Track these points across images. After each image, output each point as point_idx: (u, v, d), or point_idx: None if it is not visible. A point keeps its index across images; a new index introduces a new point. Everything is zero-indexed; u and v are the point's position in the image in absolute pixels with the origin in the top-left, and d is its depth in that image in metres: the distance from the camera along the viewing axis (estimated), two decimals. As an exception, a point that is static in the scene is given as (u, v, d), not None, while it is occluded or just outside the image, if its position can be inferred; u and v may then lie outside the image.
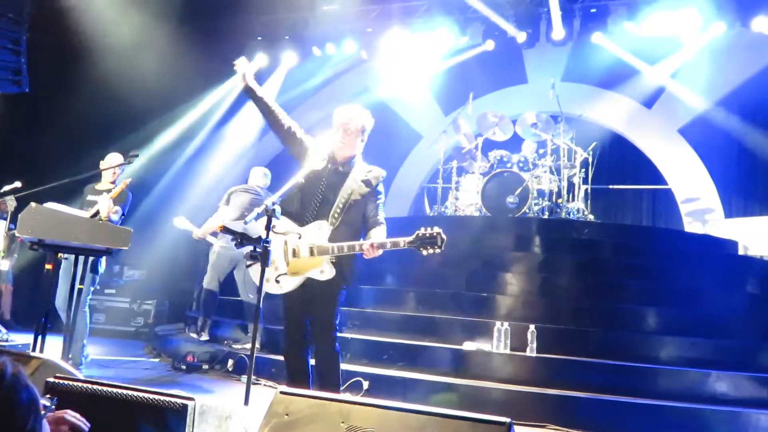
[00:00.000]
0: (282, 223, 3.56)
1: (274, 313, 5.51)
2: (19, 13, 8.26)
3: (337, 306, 3.58)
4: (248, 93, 3.68)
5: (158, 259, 9.19)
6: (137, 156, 4.91)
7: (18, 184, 5.47)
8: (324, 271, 3.45)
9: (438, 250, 3.32)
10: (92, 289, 5.65)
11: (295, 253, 3.49)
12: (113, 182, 5.75)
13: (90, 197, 5.79)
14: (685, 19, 8.90)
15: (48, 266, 4.25)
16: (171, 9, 9.03)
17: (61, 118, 8.91)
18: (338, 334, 3.62)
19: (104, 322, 8.36)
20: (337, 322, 3.60)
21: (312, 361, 3.62)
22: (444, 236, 3.32)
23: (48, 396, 1.86)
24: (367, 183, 3.62)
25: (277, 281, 3.52)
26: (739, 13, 8.72)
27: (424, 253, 3.31)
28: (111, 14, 8.81)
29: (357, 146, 3.66)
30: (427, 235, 3.31)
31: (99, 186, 5.87)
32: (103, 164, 5.77)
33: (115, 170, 5.76)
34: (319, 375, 3.58)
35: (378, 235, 3.50)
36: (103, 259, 5.70)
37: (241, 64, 3.66)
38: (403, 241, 3.34)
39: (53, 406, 1.78)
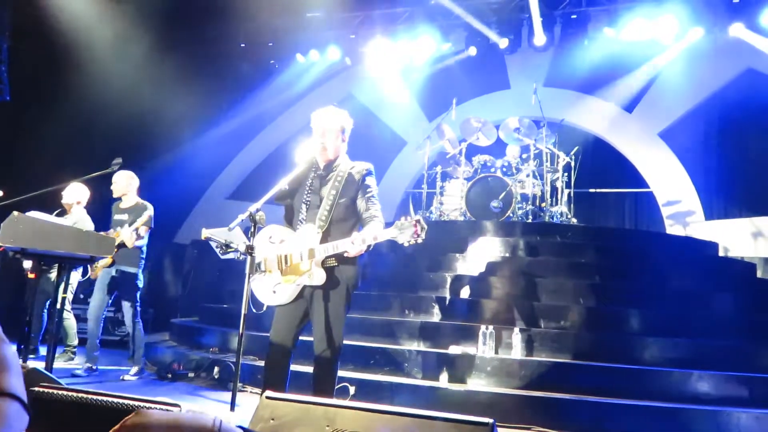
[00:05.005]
0: (277, 231, 3.57)
1: (260, 320, 5.50)
2: (0, 21, 8.21)
3: (339, 311, 3.44)
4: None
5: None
6: (120, 163, 4.90)
7: (-1, 192, 5.42)
8: (312, 275, 3.39)
9: (419, 240, 3.17)
10: (138, 305, 6.05)
11: (287, 260, 3.48)
12: (137, 200, 6.02)
13: (117, 216, 6.01)
14: (664, 25, 9.05)
15: (31, 275, 4.22)
16: (154, 16, 9.01)
17: (42, 127, 8.85)
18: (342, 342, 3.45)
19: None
20: (340, 330, 3.43)
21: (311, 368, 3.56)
22: (424, 224, 3.20)
23: None
24: (351, 180, 3.57)
25: (274, 291, 3.48)
26: (716, 19, 8.89)
27: (405, 244, 3.18)
28: (93, 22, 8.78)
29: (339, 147, 3.64)
30: (406, 224, 3.20)
31: (122, 205, 6.05)
32: (115, 189, 5.98)
33: (128, 189, 5.99)
34: (313, 382, 3.51)
35: (370, 230, 3.35)
36: (140, 275, 6.03)
37: None
38: (382, 233, 3.27)
39: None
